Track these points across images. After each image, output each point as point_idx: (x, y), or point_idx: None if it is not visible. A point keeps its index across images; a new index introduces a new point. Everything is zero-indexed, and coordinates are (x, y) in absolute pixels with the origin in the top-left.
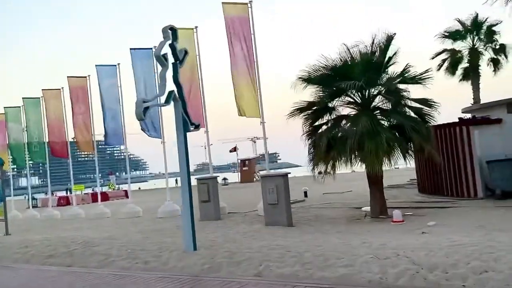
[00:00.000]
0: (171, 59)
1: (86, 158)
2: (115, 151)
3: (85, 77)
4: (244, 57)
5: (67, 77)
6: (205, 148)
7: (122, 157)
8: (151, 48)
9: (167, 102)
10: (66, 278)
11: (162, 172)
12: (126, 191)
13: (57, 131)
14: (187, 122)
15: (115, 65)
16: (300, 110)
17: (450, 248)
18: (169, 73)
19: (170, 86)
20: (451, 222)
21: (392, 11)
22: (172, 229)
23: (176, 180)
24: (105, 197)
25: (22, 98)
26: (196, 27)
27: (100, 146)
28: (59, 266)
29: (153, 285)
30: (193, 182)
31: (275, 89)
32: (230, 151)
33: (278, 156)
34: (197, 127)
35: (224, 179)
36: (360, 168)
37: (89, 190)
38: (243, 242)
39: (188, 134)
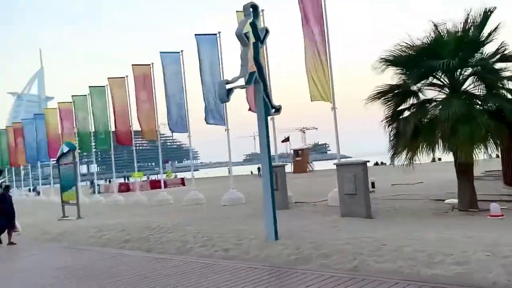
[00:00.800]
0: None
1: (140, 147)
2: (167, 140)
3: (149, 65)
4: (316, 39)
5: (132, 65)
6: (254, 139)
7: (175, 146)
8: (216, 34)
9: (248, 83)
10: (149, 264)
11: (212, 161)
12: (182, 179)
13: (122, 119)
14: (268, 105)
15: (179, 52)
16: (381, 94)
17: None
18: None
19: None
20: None
21: (396, 10)
22: (241, 217)
23: (229, 170)
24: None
25: (89, 86)
26: (262, 10)
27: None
28: (137, 251)
29: (242, 275)
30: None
31: None
32: (282, 141)
33: (328, 147)
34: (277, 110)
35: None
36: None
37: (143, 178)
38: (325, 233)
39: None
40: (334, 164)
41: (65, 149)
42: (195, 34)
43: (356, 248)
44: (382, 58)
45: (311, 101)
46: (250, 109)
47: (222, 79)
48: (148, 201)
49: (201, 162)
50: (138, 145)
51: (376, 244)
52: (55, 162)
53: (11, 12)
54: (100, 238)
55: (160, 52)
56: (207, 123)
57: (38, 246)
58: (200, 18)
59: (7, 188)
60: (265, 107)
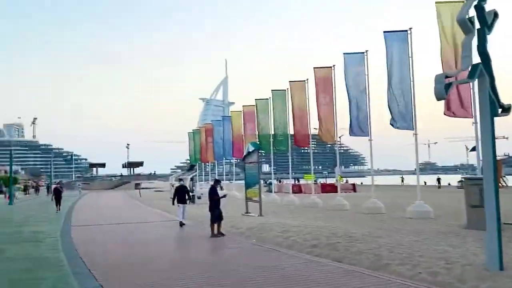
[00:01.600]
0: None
1: (305, 150)
2: (334, 144)
3: (331, 67)
4: None
5: (314, 68)
6: (429, 146)
7: (342, 151)
8: (406, 31)
9: (471, 77)
10: (346, 280)
11: (380, 168)
12: (353, 185)
13: (301, 122)
14: (495, 104)
15: (363, 53)
16: None
17: None
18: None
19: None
20: None
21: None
22: (437, 234)
23: (402, 179)
24: (333, 189)
25: (271, 90)
26: None
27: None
28: (327, 259)
29: None
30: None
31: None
32: (471, 150)
33: None
34: (506, 110)
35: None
36: None
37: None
38: None
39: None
40: None
41: (251, 148)
42: (384, 31)
43: None
44: None
45: None
46: (447, 113)
47: (440, 73)
48: (323, 204)
49: (368, 169)
50: (303, 148)
51: None
52: (239, 160)
53: (200, 26)
54: (286, 240)
55: (344, 53)
56: (393, 127)
57: (233, 240)
58: (386, 14)
59: (217, 182)
60: (491, 106)
